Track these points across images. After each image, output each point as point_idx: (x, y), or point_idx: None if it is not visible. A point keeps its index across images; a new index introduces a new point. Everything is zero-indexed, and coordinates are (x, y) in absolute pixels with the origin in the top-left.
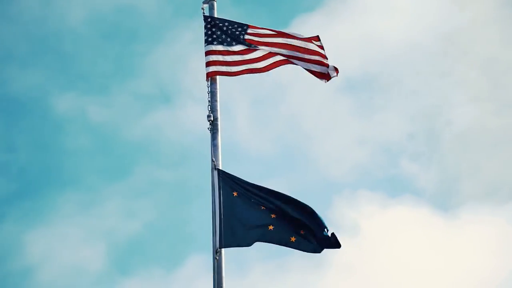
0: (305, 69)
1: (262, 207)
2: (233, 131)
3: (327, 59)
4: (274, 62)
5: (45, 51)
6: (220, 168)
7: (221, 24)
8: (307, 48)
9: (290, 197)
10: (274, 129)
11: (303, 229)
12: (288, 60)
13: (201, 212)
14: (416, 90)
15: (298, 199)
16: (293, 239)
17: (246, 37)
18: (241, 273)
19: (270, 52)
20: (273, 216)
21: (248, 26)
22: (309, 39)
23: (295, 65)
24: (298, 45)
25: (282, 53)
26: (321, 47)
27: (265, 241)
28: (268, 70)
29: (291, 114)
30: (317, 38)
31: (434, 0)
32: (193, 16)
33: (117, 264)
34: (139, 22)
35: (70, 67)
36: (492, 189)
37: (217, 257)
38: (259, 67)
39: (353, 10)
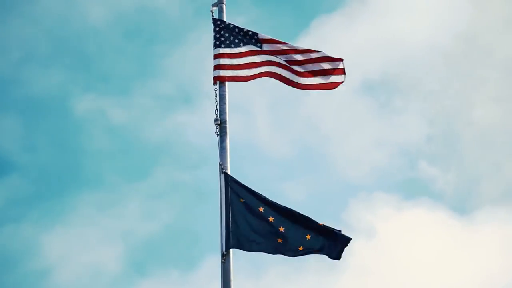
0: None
1: (270, 219)
2: (253, 133)
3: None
4: (276, 74)
5: (66, 52)
6: (229, 172)
7: (231, 28)
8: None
9: (295, 213)
10: (293, 131)
11: (309, 233)
12: (292, 81)
13: (219, 215)
14: (435, 91)
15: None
16: (301, 248)
17: (260, 42)
18: (257, 275)
19: (277, 62)
20: (281, 229)
21: (258, 36)
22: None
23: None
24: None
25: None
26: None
27: (273, 253)
28: (272, 77)
29: (310, 116)
30: (340, 60)
31: (454, 1)
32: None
33: (134, 265)
34: (160, 23)
35: (91, 68)
36: (511, 190)
37: (224, 260)
38: (267, 71)
39: (373, 11)
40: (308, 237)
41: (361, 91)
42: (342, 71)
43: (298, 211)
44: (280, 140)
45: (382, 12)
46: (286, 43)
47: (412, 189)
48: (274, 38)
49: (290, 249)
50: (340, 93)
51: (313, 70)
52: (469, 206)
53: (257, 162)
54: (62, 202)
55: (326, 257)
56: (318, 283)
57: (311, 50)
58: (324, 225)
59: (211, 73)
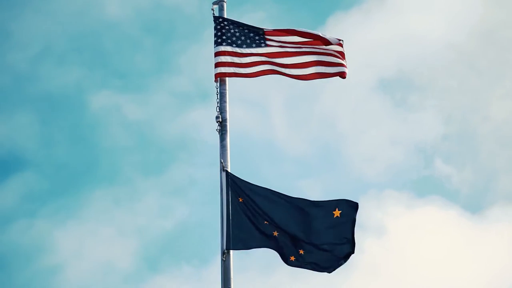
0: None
1: (265, 222)
2: (269, 130)
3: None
4: (278, 72)
5: (83, 48)
6: (229, 170)
7: (233, 26)
8: (323, 50)
9: (298, 202)
10: (309, 128)
11: (303, 248)
12: (294, 75)
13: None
14: (451, 89)
15: (306, 201)
16: (292, 258)
17: (264, 39)
18: (266, 273)
19: (282, 57)
20: (275, 234)
21: (263, 31)
22: (329, 42)
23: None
24: (314, 50)
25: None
26: (341, 53)
27: (273, 248)
28: (275, 74)
29: (326, 113)
30: (340, 44)
31: None
32: (231, 14)
33: (147, 261)
34: (177, 19)
35: (108, 64)
36: None
37: (224, 259)
38: (269, 69)
39: (390, 9)
40: (301, 252)
41: (377, 88)
42: (343, 56)
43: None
44: (297, 138)
45: (399, 10)
46: (291, 32)
47: (425, 187)
48: (279, 30)
49: (283, 254)
50: (356, 91)
51: (316, 60)
52: (482, 203)
53: (274, 159)
54: (77, 198)
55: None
56: (328, 282)
57: (313, 35)
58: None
59: None
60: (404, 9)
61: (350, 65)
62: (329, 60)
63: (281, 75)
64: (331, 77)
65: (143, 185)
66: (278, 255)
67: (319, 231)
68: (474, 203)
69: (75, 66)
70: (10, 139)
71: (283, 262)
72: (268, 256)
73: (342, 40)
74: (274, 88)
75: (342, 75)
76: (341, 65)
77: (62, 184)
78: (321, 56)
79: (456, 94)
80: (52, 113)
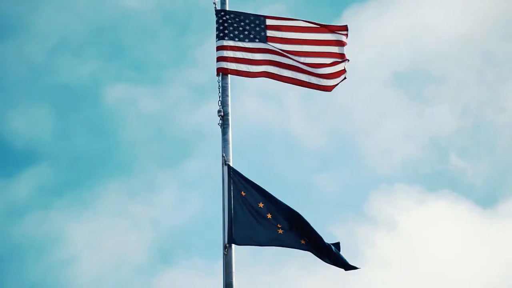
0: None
1: (268, 215)
2: (286, 123)
3: (344, 58)
4: (277, 75)
5: (100, 39)
6: (231, 164)
7: (235, 19)
8: (325, 47)
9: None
10: (325, 122)
11: (307, 237)
12: (298, 80)
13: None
14: (467, 82)
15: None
16: (303, 241)
17: (265, 32)
18: (277, 266)
19: (284, 63)
20: (279, 226)
21: (265, 18)
22: (333, 28)
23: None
24: (317, 42)
25: (297, 60)
26: (344, 36)
27: (276, 246)
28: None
29: (341, 107)
30: (344, 28)
31: None
32: (247, 7)
33: (161, 254)
34: (193, 11)
35: (124, 56)
36: None
37: (226, 253)
38: (269, 71)
39: (406, 2)
40: (303, 242)
41: (392, 81)
42: (344, 71)
43: (301, 215)
44: (313, 131)
45: (415, 3)
46: (294, 27)
47: (438, 181)
48: (282, 24)
49: (292, 242)
50: (371, 84)
51: (316, 63)
52: (496, 198)
53: (291, 153)
54: (92, 190)
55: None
56: (338, 276)
57: (317, 29)
58: (320, 241)
59: None
60: (420, 3)
61: (365, 58)
62: (324, 72)
63: (279, 81)
64: (320, 89)
65: (159, 177)
66: (284, 247)
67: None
68: (488, 197)
69: (91, 58)
70: (27, 132)
71: (294, 256)
72: (279, 250)
73: (346, 25)
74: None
75: (329, 89)
76: (336, 74)
77: (77, 176)
78: (314, 68)
79: (472, 87)
80: (68, 105)
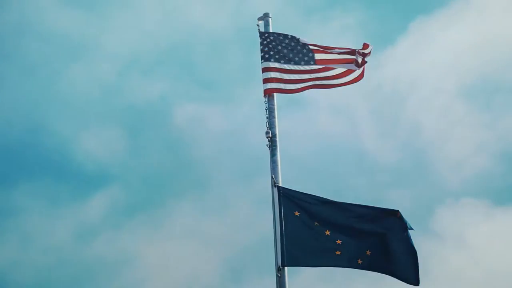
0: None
1: (327, 232)
2: (357, 139)
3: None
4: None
5: (169, 59)
6: (280, 184)
7: (278, 40)
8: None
9: (364, 207)
10: (397, 136)
11: (370, 249)
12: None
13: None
14: None
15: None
16: (360, 261)
17: (313, 55)
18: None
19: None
20: (338, 242)
21: (310, 48)
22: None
23: None
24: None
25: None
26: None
27: (331, 266)
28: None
29: (411, 120)
30: (366, 46)
31: None
32: (311, 22)
33: (231, 274)
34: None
35: (194, 74)
36: None
37: (280, 275)
38: (314, 84)
39: (474, 11)
40: (368, 253)
41: (461, 93)
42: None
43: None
44: (385, 146)
45: (484, 13)
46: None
47: (508, 195)
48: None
49: (350, 261)
50: (441, 97)
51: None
52: None
53: (363, 168)
54: (164, 210)
55: None
56: None
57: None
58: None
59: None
60: (488, 12)
61: (434, 70)
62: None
63: (323, 88)
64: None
65: (231, 195)
66: (340, 267)
67: (385, 236)
68: None
69: (162, 76)
70: (99, 153)
71: (359, 276)
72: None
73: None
74: (359, 94)
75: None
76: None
77: (149, 197)
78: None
79: None
80: (139, 125)
